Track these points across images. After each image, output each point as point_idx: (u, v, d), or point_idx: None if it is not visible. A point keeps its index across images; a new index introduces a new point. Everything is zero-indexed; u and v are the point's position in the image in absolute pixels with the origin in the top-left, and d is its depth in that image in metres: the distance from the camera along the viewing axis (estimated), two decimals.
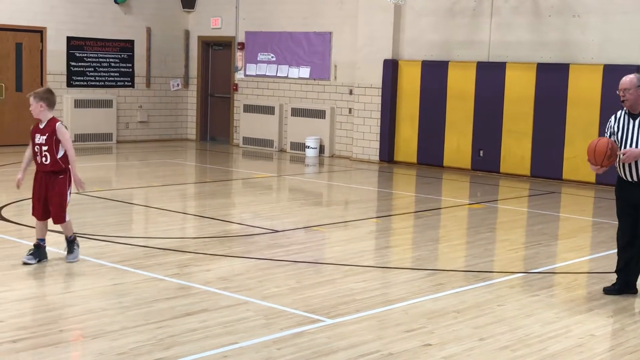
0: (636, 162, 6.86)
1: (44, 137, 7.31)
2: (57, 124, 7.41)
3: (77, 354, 5.30)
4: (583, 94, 13.65)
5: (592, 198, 12.72)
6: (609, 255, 8.55)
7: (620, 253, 7.15)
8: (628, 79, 6.92)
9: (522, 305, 6.57)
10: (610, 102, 13.29)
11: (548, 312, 6.41)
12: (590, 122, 13.59)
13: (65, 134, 7.42)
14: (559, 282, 7.56)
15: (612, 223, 10.40)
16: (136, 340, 5.42)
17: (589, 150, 6.93)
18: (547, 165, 14.14)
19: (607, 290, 7.13)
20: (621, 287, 7.10)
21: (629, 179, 6.95)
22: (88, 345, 5.36)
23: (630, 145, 6.87)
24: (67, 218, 7.44)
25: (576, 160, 13.76)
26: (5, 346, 5.26)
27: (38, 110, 7.34)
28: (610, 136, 7.04)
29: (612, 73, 13.27)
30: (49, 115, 7.40)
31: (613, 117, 7.10)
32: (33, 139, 7.37)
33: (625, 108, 7.01)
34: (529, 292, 7.01)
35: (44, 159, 7.35)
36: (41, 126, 7.38)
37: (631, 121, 6.95)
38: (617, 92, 6.96)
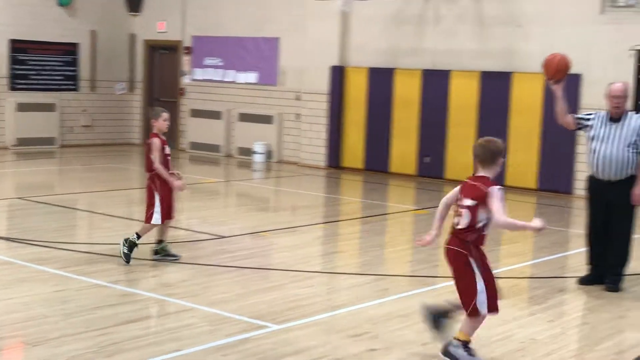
0: (611, 163, 7.33)
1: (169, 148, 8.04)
2: None
3: None
4: (525, 102, 13.89)
5: (534, 204, 12.95)
6: (551, 260, 8.72)
7: (592, 247, 7.66)
8: (623, 88, 7.52)
9: None
10: (551, 110, 13.54)
11: (491, 317, 6.48)
12: (532, 130, 13.83)
13: None
14: (502, 286, 7.65)
15: (554, 229, 10.61)
16: (78, 347, 5.35)
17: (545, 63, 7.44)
18: None
19: (582, 281, 7.63)
20: (594, 278, 7.58)
21: (603, 179, 7.43)
22: (30, 352, 5.27)
23: (608, 145, 7.33)
24: None
25: (518, 167, 13.99)
26: None
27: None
28: (586, 121, 7.53)
29: None
30: None
31: (595, 114, 7.56)
32: (164, 150, 7.86)
33: (606, 112, 7.51)
34: None
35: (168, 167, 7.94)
36: (164, 138, 7.98)
37: (610, 124, 7.44)
38: (610, 98, 7.41)
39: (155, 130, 7.96)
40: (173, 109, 19.04)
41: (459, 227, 5.34)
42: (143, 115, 19.38)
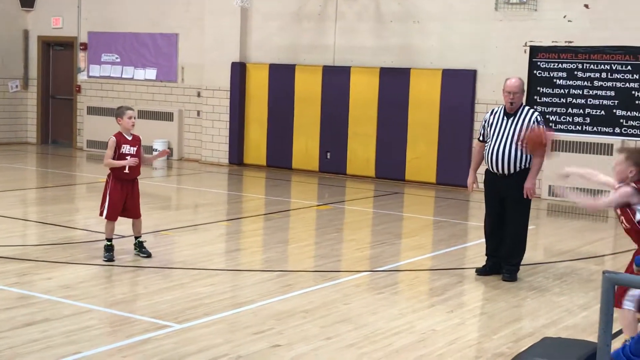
0: (504, 157, 7.53)
1: (134, 149, 7.93)
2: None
3: None
4: (423, 97, 14.15)
5: (433, 198, 13.21)
6: (450, 252, 8.92)
7: (488, 239, 7.89)
8: (517, 84, 7.71)
9: (367, 303, 6.74)
10: (448, 105, 13.87)
11: (392, 309, 6.60)
12: (430, 125, 14.10)
13: None
14: (402, 279, 7.81)
15: (452, 222, 10.86)
16: None
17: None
18: (390, 166, 14.56)
19: (480, 272, 7.85)
20: (491, 269, 7.82)
21: (497, 172, 7.64)
22: None
23: (501, 139, 7.55)
24: None
25: (418, 161, 14.25)
26: None
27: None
28: (484, 129, 7.77)
29: (450, 77, 13.86)
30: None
31: (490, 112, 7.82)
32: (119, 149, 7.86)
33: (502, 106, 7.73)
34: (374, 290, 7.20)
35: (132, 167, 7.89)
36: (129, 138, 7.96)
37: (505, 119, 7.66)
38: (505, 93, 7.60)
39: (120, 129, 7.99)
40: (69, 106, 18.59)
41: None
42: (38, 113, 18.83)
